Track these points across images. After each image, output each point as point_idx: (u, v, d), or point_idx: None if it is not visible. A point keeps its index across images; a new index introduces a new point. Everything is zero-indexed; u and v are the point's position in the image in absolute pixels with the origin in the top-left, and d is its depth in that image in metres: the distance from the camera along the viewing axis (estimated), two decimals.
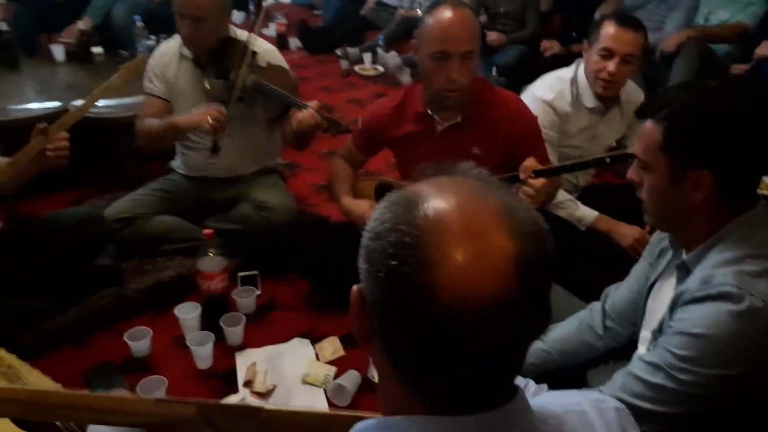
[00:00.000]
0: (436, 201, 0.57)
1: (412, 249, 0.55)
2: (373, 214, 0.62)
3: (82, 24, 3.40)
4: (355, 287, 0.63)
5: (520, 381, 0.88)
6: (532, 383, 0.89)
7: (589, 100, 2.15)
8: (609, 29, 2.03)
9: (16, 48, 3.27)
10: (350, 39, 4.99)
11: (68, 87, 3.04)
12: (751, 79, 1.08)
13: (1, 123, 2.45)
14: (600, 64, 2.05)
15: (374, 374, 1.80)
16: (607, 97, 2.13)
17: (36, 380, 1.23)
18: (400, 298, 0.56)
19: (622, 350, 1.44)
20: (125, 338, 1.84)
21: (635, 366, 1.13)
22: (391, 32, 4.69)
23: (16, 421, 1.05)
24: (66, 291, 1.96)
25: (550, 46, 3.87)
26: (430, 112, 1.86)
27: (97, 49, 3.38)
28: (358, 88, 4.43)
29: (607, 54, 2.03)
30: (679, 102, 1.09)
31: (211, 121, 2.01)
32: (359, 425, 0.63)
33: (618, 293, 1.44)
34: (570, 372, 1.46)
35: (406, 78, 4.32)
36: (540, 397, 0.78)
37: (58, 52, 3.35)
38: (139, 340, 1.83)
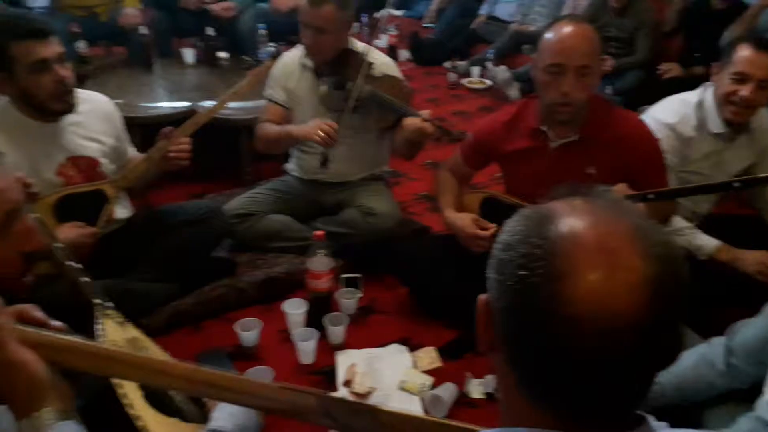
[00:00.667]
0: (569, 217, 0.58)
1: (541, 260, 0.56)
2: (504, 226, 0.63)
3: (210, 30, 3.65)
4: (482, 296, 0.64)
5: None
6: (650, 417, 0.86)
7: (715, 126, 2.04)
8: (744, 52, 1.93)
9: (151, 50, 3.55)
10: (460, 52, 5.01)
11: (196, 88, 3.26)
12: None
13: (136, 120, 2.66)
14: (732, 87, 1.95)
15: (472, 390, 1.79)
16: (737, 123, 2.02)
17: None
18: (526, 308, 0.57)
19: (744, 392, 1.36)
20: (236, 328, 1.94)
21: (764, 410, 1.07)
22: (501, 46, 4.67)
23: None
24: (186, 279, 2.11)
25: (669, 69, 3.71)
26: (544, 127, 1.84)
27: (222, 54, 3.61)
28: (465, 101, 4.44)
29: (741, 78, 1.93)
30: None
31: (321, 134, 2.10)
32: None
33: (748, 330, 1.36)
34: (684, 410, 1.39)
35: (514, 93, 4.28)
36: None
37: (188, 55, 3.61)
38: (249, 331, 1.93)
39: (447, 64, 4.87)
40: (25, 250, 0.93)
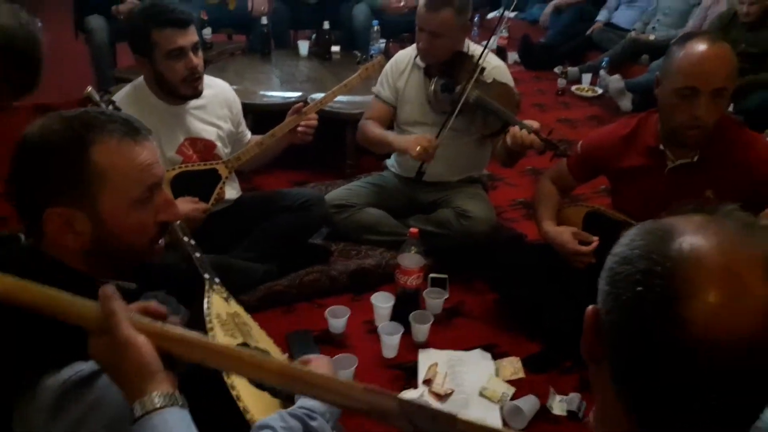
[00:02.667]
0: (694, 237, 0.57)
1: (660, 279, 0.55)
2: (622, 239, 0.62)
3: (326, 24, 3.76)
4: (591, 307, 0.64)
5: None
6: None
7: None
8: None
9: (270, 40, 3.72)
10: (571, 57, 4.87)
11: (308, 80, 3.38)
12: None
13: (254, 106, 2.80)
14: None
15: (554, 405, 1.76)
16: None
17: (262, 339, 1.41)
18: (639, 325, 0.56)
19: None
20: (326, 314, 2.01)
21: None
22: (617, 54, 4.49)
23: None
24: (283, 261, 2.21)
25: None
26: (662, 147, 1.76)
27: (335, 48, 3.71)
28: (572, 108, 4.31)
29: None
30: None
31: (419, 150, 2.13)
32: None
33: None
34: None
35: (626, 103, 4.11)
36: None
37: (303, 47, 3.75)
38: (338, 318, 1.99)
39: (557, 70, 4.75)
40: (163, 220, 1.01)
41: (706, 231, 0.57)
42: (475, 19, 5.35)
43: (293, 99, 2.96)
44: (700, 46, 1.58)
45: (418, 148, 2.14)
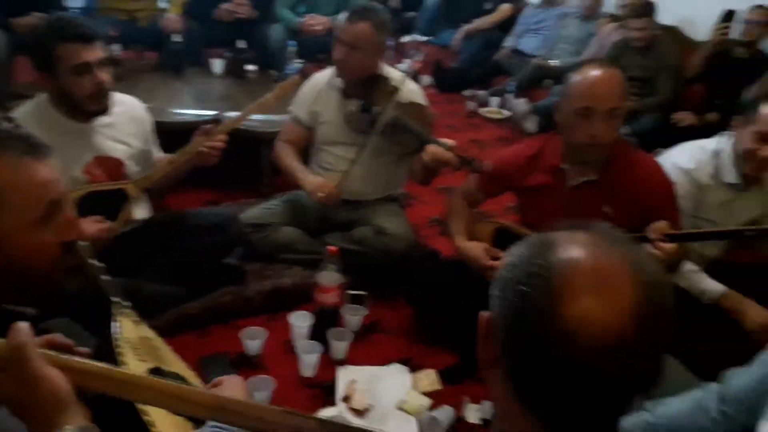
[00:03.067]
0: (570, 245, 0.65)
1: (543, 279, 0.63)
2: (511, 250, 0.69)
3: (241, 43, 3.74)
4: (484, 313, 0.70)
5: None
6: None
7: (730, 176, 2.06)
8: (767, 112, 1.93)
9: (183, 58, 3.65)
10: (481, 82, 5.09)
11: (222, 98, 3.34)
12: None
13: (166, 124, 2.73)
14: (754, 145, 1.95)
15: (469, 415, 1.81)
16: (754, 178, 2.04)
17: (174, 363, 1.37)
18: (526, 322, 0.63)
19: None
20: (241, 336, 1.98)
21: None
22: (523, 79, 4.73)
23: None
24: (196, 283, 2.15)
25: (683, 118, 3.75)
26: (564, 166, 1.88)
27: (250, 67, 3.69)
28: (482, 130, 4.49)
29: (763, 138, 1.94)
30: None
31: (320, 195, 2.23)
32: None
33: (742, 379, 1.37)
34: None
35: (531, 125, 4.32)
36: None
37: (217, 65, 3.70)
38: (254, 339, 1.97)
39: (467, 93, 4.94)
40: (65, 240, 0.97)
41: (581, 242, 0.65)
42: (390, 42, 5.48)
43: (207, 117, 2.91)
44: (594, 71, 1.72)
45: (320, 194, 2.21)
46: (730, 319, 1.99)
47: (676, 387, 1.52)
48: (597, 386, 0.62)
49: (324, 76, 2.46)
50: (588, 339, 0.60)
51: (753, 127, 1.95)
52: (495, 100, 4.80)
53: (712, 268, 2.20)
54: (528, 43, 5.22)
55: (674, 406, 1.46)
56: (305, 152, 2.56)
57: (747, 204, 2.13)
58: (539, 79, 4.71)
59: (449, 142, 2.10)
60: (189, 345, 2.03)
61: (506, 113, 4.65)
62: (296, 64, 3.79)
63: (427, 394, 1.90)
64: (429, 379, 1.96)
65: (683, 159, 2.11)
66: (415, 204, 3.24)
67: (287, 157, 2.43)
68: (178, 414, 1.15)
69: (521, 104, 4.42)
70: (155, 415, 1.12)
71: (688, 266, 2.04)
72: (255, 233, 2.35)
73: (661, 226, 1.64)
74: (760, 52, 3.69)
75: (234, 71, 3.64)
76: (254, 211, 2.43)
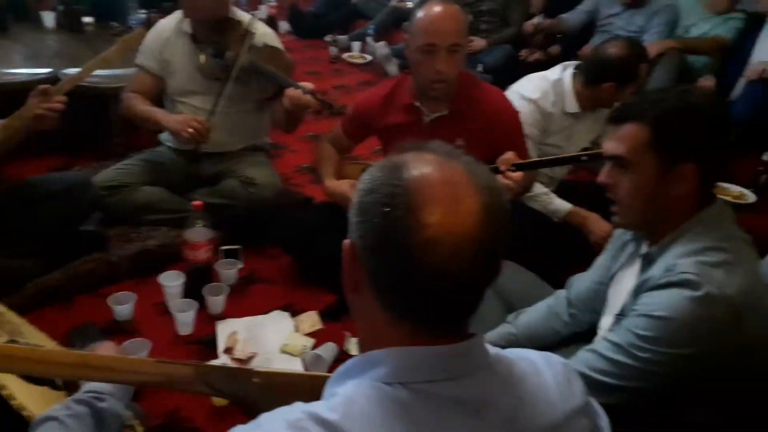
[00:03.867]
0: (418, 163, 0.70)
1: (401, 197, 0.67)
2: (363, 176, 0.73)
3: None
4: (346, 241, 0.73)
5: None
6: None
7: (570, 106, 2.24)
8: None
9: (5, 12, 3.26)
10: (340, 26, 5.04)
11: (57, 55, 3.05)
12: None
13: None
14: None
15: (351, 347, 1.88)
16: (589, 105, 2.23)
17: (33, 335, 1.28)
18: (390, 238, 0.67)
19: (584, 335, 1.53)
20: (109, 302, 1.89)
21: (598, 344, 1.22)
22: (381, 22, 4.75)
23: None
24: (52, 254, 2.00)
25: (529, 54, 3.97)
26: (418, 103, 1.93)
27: (87, 19, 3.38)
28: (346, 75, 4.49)
29: None
30: (666, 103, 1.17)
31: (191, 131, 2.10)
32: (343, 365, 0.73)
33: (581, 283, 1.54)
34: None
35: (393, 68, 4.38)
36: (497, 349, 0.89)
37: (48, 19, 3.35)
38: (123, 304, 1.88)
39: (328, 38, 4.89)
40: None
41: (425, 158, 0.71)
42: None
43: (43, 75, 2.66)
44: (435, 8, 1.76)
45: (189, 129, 2.09)
46: (579, 234, 2.20)
47: (535, 298, 1.67)
48: (457, 285, 0.68)
49: (170, 21, 2.31)
50: (447, 243, 0.65)
51: None
52: (356, 45, 4.79)
53: (562, 189, 2.41)
54: None
55: (532, 315, 1.61)
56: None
57: (584, 128, 2.33)
58: (398, 22, 4.76)
59: (308, 85, 2.08)
60: (54, 318, 1.92)
61: (368, 57, 4.66)
62: (140, 14, 3.53)
63: (310, 334, 1.94)
64: (310, 320, 2.00)
65: (528, 89, 2.25)
66: (284, 153, 3.20)
67: (140, 104, 2.26)
68: (40, 379, 1.09)
69: (381, 48, 4.45)
70: (16, 388, 1.05)
71: (538, 189, 2.22)
72: (112, 196, 2.21)
73: (508, 156, 1.75)
74: None
75: (68, 25, 3.32)
76: (108, 173, 2.27)
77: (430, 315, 0.70)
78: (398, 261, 0.67)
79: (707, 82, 3.24)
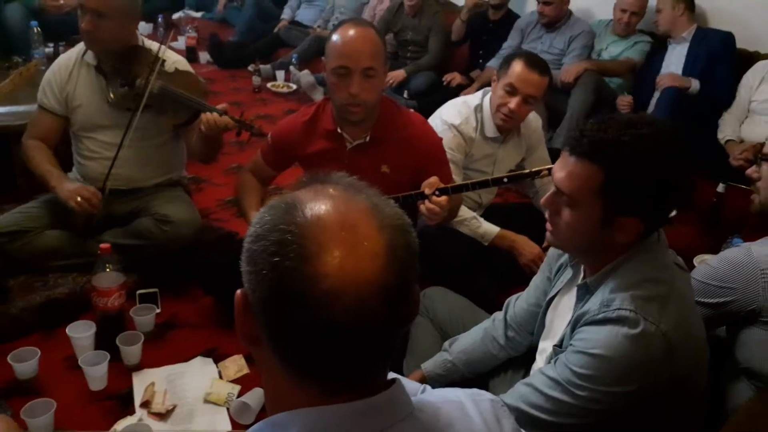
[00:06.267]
0: (312, 202, 0.63)
1: (293, 245, 0.59)
2: (254, 220, 0.65)
3: None
4: (238, 291, 0.66)
5: (417, 387, 0.91)
6: (428, 387, 0.92)
7: (490, 130, 2.25)
8: (517, 68, 2.11)
9: None
10: (262, 55, 4.98)
11: None
12: (673, 126, 1.16)
13: None
14: (504, 99, 2.14)
15: None
16: (506, 129, 2.24)
17: None
18: (284, 291, 0.59)
19: (520, 359, 1.51)
20: (9, 359, 1.71)
21: (536, 379, 1.19)
22: (304, 51, 4.72)
23: None
24: None
25: (452, 78, 4.04)
26: (339, 130, 1.88)
27: None
28: (270, 105, 4.41)
29: (512, 91, 2.12)
30: (624, 148, 1.08)
31: (79, 201, 1.97)
32: (250, 429, 0.65)
33: (518, 304, 1.51)
34: (475, 382, 1.50)
35: (318, 96, 4.34)
36: (422, 394, 0.83)
37: None
38: (25, 362, 1.71)
39: (250, 68, 4.81)
40: None
41: (321, 195, 0.64)
42: (159, 19, 5.11)
43: None
44: (350, 31, 1.73)
45: (78, 198, 1.97)
46: (509, 256, 2.19)
47: (469, 324, 1.63)
48: (364, 337, 0.60)
49: (70, 55, 2.18)
50: (349, 292, 0.58)
51: (504, 80, 2.14)
52: (280, 74, 4.73)
53: (490, 212, 2.41)
54: (305, 14, 5.22)
55: (467, 339, 1.57)
56: (66, 142, 2.27)
57: (508, 153, 2.35)
58: (320, 50, 4.73)
59: (222, 106, 2.00)
60: None
61: (293, 86, 4.61)
62: (46, 48, 3.34)
63: (235, 380, 1.82)
64: (236, 365, 1.88)
65: (450, 115, 2.25)
66: (205, 187, 3.09)
67: (36, 159, 2.12)
68: None
69: (305, 76, 4.41)
70: None
71: (466, 213, 2.20)
72: (11, 242, 2.04)
73: (432, 181, 1.72)
74: (509, 11, 4.08)
75: None
76: (8, 217, 2.09)
77: (338, 371, 0.62)
78: (294, 316, 0.59)
79: (625, 99, 3.37)
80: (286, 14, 5.26)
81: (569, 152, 1.14)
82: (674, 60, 3.27)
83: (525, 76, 2.10)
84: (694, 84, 3.09)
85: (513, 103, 2.12)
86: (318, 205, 0.62)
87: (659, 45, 3.45)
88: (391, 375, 0.69)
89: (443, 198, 1.70)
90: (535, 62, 2.13)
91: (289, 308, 0.59)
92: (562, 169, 1.15)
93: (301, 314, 0.59)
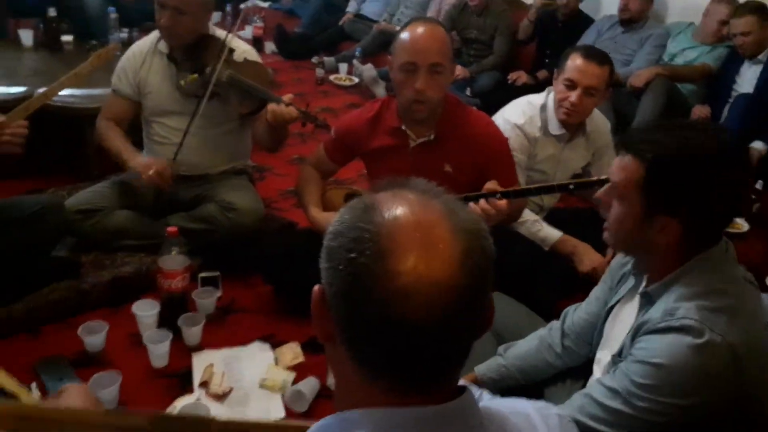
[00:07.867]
0: (390, 204, 0.64)
1: (369, 242, 0.61)
2: (334, 218, 0.67)
3: (53, 11, 3.33)
4: (316, 287, 0.67)
5: (474, 390, 0.90)
6: (486, 392, 0.91)
7: (555, 128, 2.20)
8: (574, 61, 2.08)
9: None
10: (326, 48, 5.02)
11: (35, 73, 2.97)
12: (720, 128, 1.09)
13: None
14: (564, 93, 2.10)
15: (333, 382, 1.79)
16: (571, 124, 2.18)
17: None
18: (358, 287, 0.60)
19: (578, 369, 1.47)
20: (79, 332, 1.79)
21: (594, 389, 1.16)
22: (367, 44, 4.73)
23: None
24: (20, 281, 1.91)
25: (518, 77, 3.97)
26: (404, 127, 1.88)
27: (66, 37, 3.31)
28: (332, 97, 4.44)
29: (571, 84, 2.08)
30: (664, 148, 1.09)
31: (150, 173, 2.03)
32: (319, 423, 0.65)
33: (576, 314, 1.48)
34: (528, 389, 1.48)
35: (380, 91, 4.35)
36: (489, 401, 0.82)
37: (26, 37, 3.27)
38: (94, 335, 1.79)
39: (314, 59, 4.85)
40: None
41: (399, 198, 0.65)
42: (227, 8, 5.23)
43: (18, 94, 2.58)
44: (418, 28, 1.73)
45: (150, 171, 2.03)
46: (570, 264, 2.15)
47: (525, 331, 1.60)
48: (435, 338, 0.61)
49: (145, 43, 2.25)
50: (420, 292, 0.59)
51: (563, 75, 2.10)
52: (343, 67, 4.76)
53: (552, 216, 2.36)
54: (370, 8, 5.23)
55: (523, 347, 1.55)
56: (137, 127, 2.35)
57: (573, 154, 2.29)
58: (384, 44, 4.73)
59: (288, 97, 2.01)
60: (19, 350, 1.83)
61: (355, 80, 4.63)
62: (121, 33, 3.47)
63: (291, 368, 1.84)
64: (292, 352, 1.91)
65: (514, 115, 2.21)
66: (268, 176, 3.14)
67: (110, 137, 2.20)
68: None
69: (368, 70, 4.42)
70: None
71: (528, 216, 2.16)
72: (84, 220, 2.12)
73: (492, 186, 1.69)
74: (580, 12, 3.98)
75: (47, 43, 3.24)
76: (82, 196, 2.18)
77: (409, 371, 0.63)
78: (368, 312, 0.60)
79: (703, 110, 3.23)
80: (351, 7, 5.28)
81: (623, 146, 1.17)
82: (750, 76, 3.11)
83: (583, 68, 2.06)
84: None
85: (574, 96, 2.08)
86: (395, 207, 0.63)
87: (735, 54, 3.29)
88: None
89: (503, 202, 1.67)
90: (591, 53, 2.10)
91: (361, 303, 0.60)
92: (615, 163, 1.18)
93: (372, 310, 0.60)
